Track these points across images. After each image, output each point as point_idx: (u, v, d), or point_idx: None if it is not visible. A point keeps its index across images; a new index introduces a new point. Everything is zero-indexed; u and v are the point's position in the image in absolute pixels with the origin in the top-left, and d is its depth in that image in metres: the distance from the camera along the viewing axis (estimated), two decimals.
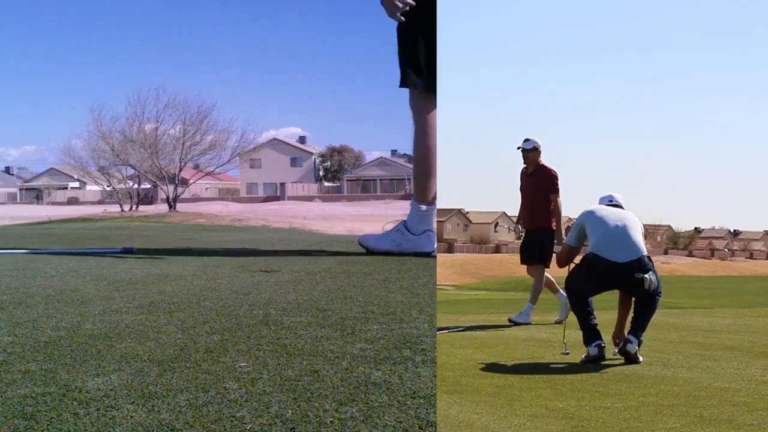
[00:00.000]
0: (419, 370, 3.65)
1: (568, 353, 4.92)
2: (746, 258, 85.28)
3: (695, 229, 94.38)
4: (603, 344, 4.81)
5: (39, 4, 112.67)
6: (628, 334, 4.89)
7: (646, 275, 4.95)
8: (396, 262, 7.48)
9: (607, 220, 5.20)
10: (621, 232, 5.10)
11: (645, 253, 5.07)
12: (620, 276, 4.97)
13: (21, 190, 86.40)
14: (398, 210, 45.06)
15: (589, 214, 5.34)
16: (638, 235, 5.11)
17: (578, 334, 4.88)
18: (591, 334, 4.85)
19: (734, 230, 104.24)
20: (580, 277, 5.18)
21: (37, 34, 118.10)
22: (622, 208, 5.44)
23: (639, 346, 4.84)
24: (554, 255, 7.38)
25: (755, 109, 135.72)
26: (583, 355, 4.84)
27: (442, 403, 3.42)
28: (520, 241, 8.12)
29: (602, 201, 5.47)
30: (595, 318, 4.96)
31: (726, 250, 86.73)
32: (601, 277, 5.06)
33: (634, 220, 5.24)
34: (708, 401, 3.47)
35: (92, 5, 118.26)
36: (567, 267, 5.34)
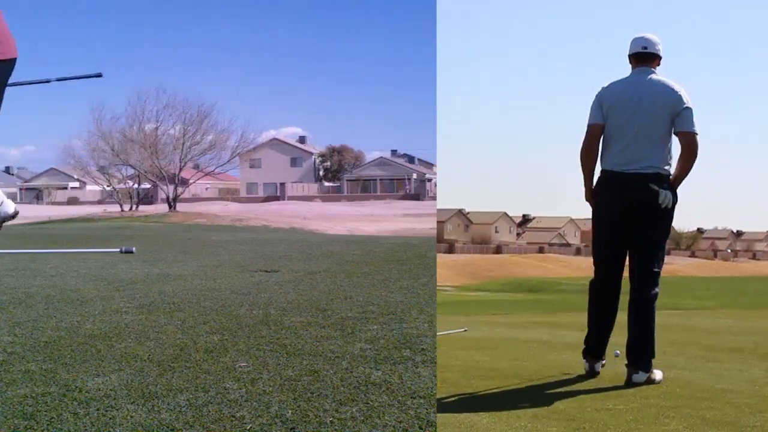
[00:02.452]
0: (419, 370, 3.64)
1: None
2: (749, 259, 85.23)
3: (698, 229, 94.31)
4: (603, 364, 4.24)
5: (39, 4, 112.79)
6: (631, 365, 3.99)
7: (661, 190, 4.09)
8: (396, 262, 7.47)
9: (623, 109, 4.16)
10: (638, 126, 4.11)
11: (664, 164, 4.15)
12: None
13: (21, 190, 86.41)
14: (398, 210, 45.16)
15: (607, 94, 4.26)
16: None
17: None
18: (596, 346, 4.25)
19: (737, 231, 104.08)
20: (597, 226, 4.29)
21: (37, 33, 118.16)
22: (658, 58, 4.27)
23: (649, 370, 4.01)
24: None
25: (758, 109, 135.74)
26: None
27: (443, 404, 3.40)
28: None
29: (634, 45, 4.28)
30: (613, 320, 4.22)
31: (729, 251, 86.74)
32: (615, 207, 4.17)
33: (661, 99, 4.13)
34: (710, 403, 3.45)
35: (92, 5, 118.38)
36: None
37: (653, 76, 4.20)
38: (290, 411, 2.92)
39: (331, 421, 2.82)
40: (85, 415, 2.89)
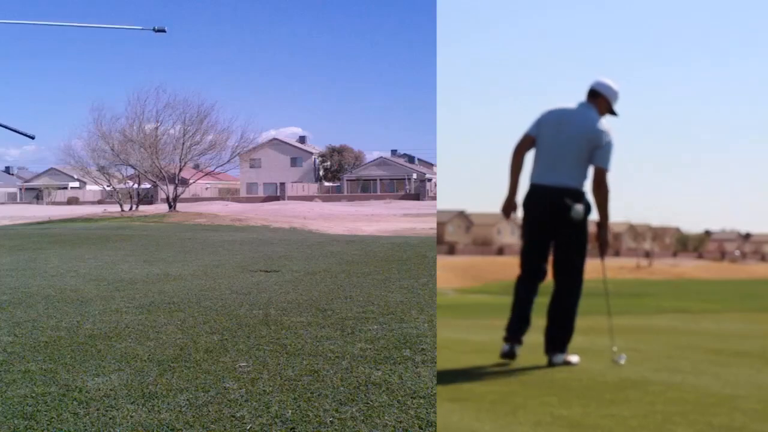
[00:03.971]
0: (419, 370, 3.61)
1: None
2: (758, 261, 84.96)
3: (705, 231, 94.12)
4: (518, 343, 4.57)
5: (39, 4, 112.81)
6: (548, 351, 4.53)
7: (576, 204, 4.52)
8: (396, 262, 7.45)
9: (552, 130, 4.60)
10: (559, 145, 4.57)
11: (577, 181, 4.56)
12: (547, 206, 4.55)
13: (21, 190, 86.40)
14: (398, 210, 45.10)
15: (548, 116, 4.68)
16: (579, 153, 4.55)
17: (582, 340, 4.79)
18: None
19: (746, 232, 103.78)
20: (523, 227, 4.70)
21: (37, 33, 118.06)
22: (605, 100, 4.67)
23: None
24: None
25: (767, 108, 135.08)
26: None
27: (444, 410, 3.37)
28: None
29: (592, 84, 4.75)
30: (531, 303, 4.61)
31: (737, 253, 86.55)
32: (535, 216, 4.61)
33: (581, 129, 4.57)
34: (718, 409, 3.42)
35: (92, 5, 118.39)
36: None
37: (590, 112, 4.60)
38: (290, 411, 2.90)
39: (331, 421, 2.79)
40: (85, 415, 2.87)
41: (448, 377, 4.19)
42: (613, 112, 4.64)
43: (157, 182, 40.01)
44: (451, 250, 68.03)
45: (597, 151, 4.53)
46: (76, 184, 79.07)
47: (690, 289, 24.26)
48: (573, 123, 4.57)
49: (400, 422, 2.80)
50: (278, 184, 72.65)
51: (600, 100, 4.61)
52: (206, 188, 74.13)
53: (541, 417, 3.31)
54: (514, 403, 3.61)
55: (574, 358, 4.52)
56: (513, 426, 3.16)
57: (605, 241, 4.68)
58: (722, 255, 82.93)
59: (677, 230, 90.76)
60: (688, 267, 60.80)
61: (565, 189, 4.53)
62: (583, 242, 4.61)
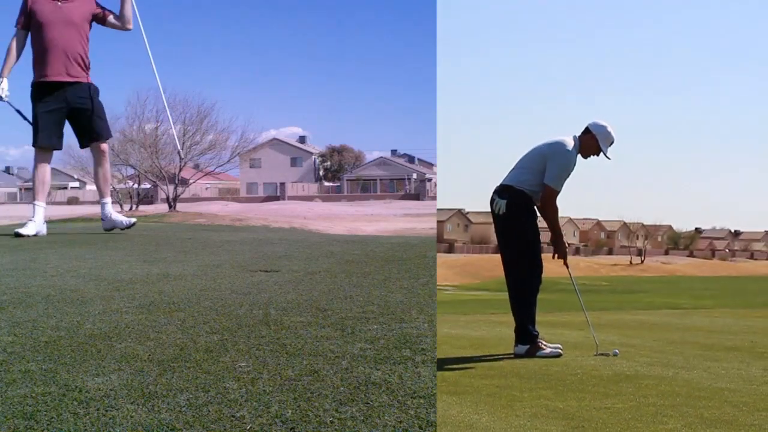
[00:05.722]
0: (419, 370, 3.65)
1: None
2: (747, 258, 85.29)
3: (696, 229, 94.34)
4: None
5: None
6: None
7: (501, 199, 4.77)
8: (396, 262, 7.49)
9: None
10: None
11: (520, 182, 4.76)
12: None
13: (21, 189, 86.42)
14: (398, 210, 45.11)
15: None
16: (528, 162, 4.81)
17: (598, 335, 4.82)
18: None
19: (735, 230, 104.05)
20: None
21: None
22: (593, 138, 4.84)
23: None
24: None
25: (757, 107, 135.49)
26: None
27: (442, 403, 3.41)
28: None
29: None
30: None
31: (726, 250, 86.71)
32: None
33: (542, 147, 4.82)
34: (709, 402, 3.46)
35: None
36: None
37: (569, 139, 4.79)
38: (290, 411, 2.93)
39: (331, 421, 2.82)
40: (85, 415, 2.90)
41: (446, 371, 4.24)
42: (603, 153, 4.77)
43: (157, 182, 40.07)
44: (450, 248, 68.12)
45: (547, 167, 4.67)
46: (76, 184, 79.18)
47: (681, 285, 24.39)
48: (546, 141, 4.81)
49: (400, 422, 2.84)
50: (278, 184, 72.72)
51: (588, 136, 4.77)
52: (206, 188, 74.17)
53: (538, 409, 3.35)
54: (511, 396, 3.65)
55: (519, 350, 4.80)
56: (510, 418, 3.20)
57: (562, 253, 4.88)
58: (712, 252, 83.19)
59: (669, 228, 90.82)
60: (680, 264, 60.93)
61: (502, 186, 4.75)
62: (509, 236, 4.79)
